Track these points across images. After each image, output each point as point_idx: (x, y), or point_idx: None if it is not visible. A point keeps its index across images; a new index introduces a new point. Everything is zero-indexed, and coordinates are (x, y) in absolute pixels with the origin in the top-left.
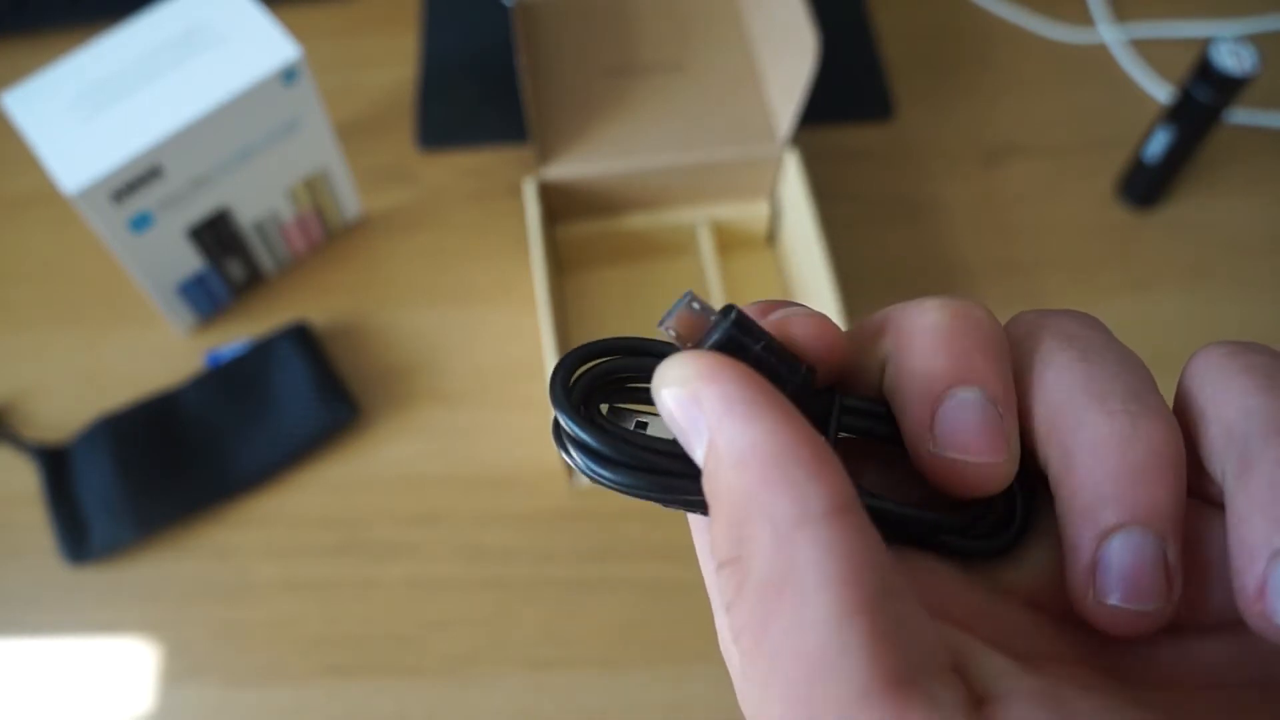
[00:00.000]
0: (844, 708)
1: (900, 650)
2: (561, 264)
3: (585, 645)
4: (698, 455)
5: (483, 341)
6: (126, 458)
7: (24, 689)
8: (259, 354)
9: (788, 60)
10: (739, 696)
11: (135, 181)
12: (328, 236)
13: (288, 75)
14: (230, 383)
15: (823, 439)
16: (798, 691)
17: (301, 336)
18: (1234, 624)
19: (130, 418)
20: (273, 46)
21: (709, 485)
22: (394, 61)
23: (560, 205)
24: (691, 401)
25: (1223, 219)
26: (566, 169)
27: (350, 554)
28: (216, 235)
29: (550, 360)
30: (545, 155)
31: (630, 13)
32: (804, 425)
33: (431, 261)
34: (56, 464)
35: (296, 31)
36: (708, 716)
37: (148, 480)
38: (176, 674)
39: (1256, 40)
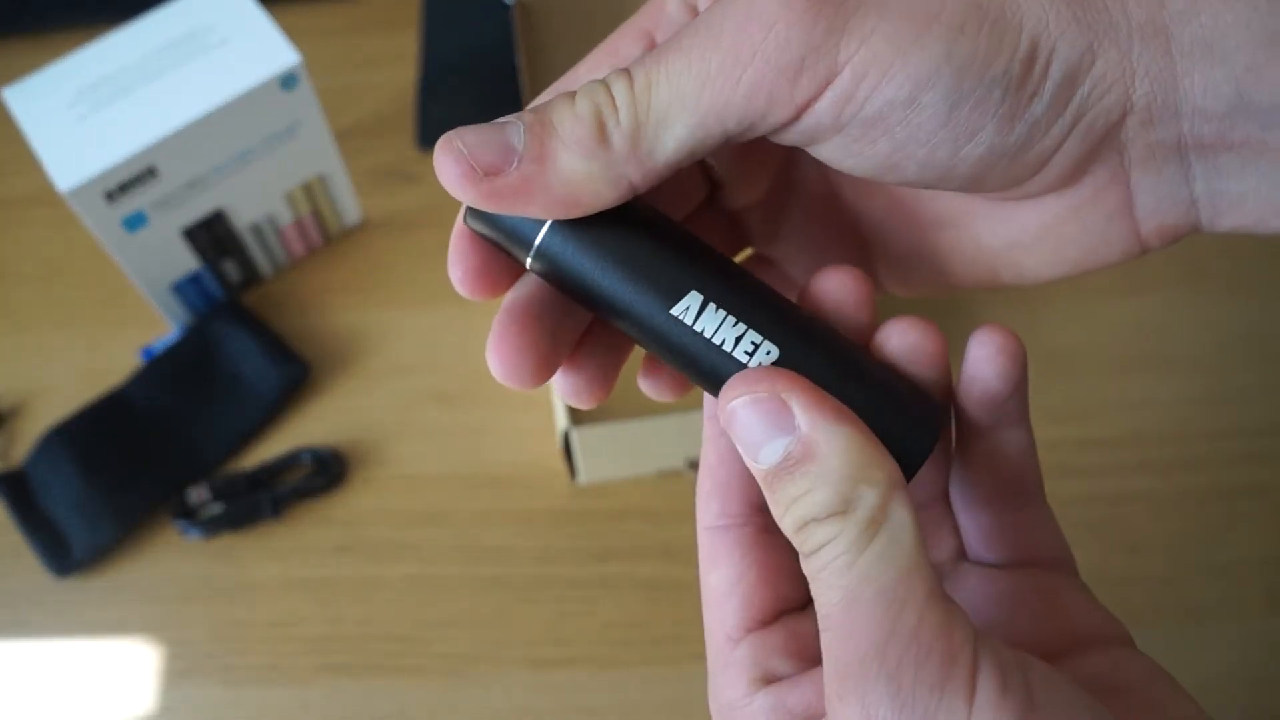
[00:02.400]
0: (920, 598)
1: (938, 582)
2: None
3: (585, 645)
4: (774, 450)
5: (483, 341)
6: (87, 460)
7: (24, 689)
8: (196, 336)
9: None
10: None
11: (129, 182)
12: (326, 240)
13: (287, 81)
14: (175, 368)
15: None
16: (884, 588)
17: (236, 310)
18: (1049, 656)
19: (80, 422)
20: (273, 51)
21: (795, 469)
22: (394, 61)
23: None
24: (779, 405)
25: None
26: None
27: (350, 554)
28: (212, 236)
29: None
30: None
31: (630, 13)
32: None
33: (431, 261)
34: (15, 486)
35: (296, 31)
36: (708, 716)
37: (114, 476)
38: (176, 674)
39: None
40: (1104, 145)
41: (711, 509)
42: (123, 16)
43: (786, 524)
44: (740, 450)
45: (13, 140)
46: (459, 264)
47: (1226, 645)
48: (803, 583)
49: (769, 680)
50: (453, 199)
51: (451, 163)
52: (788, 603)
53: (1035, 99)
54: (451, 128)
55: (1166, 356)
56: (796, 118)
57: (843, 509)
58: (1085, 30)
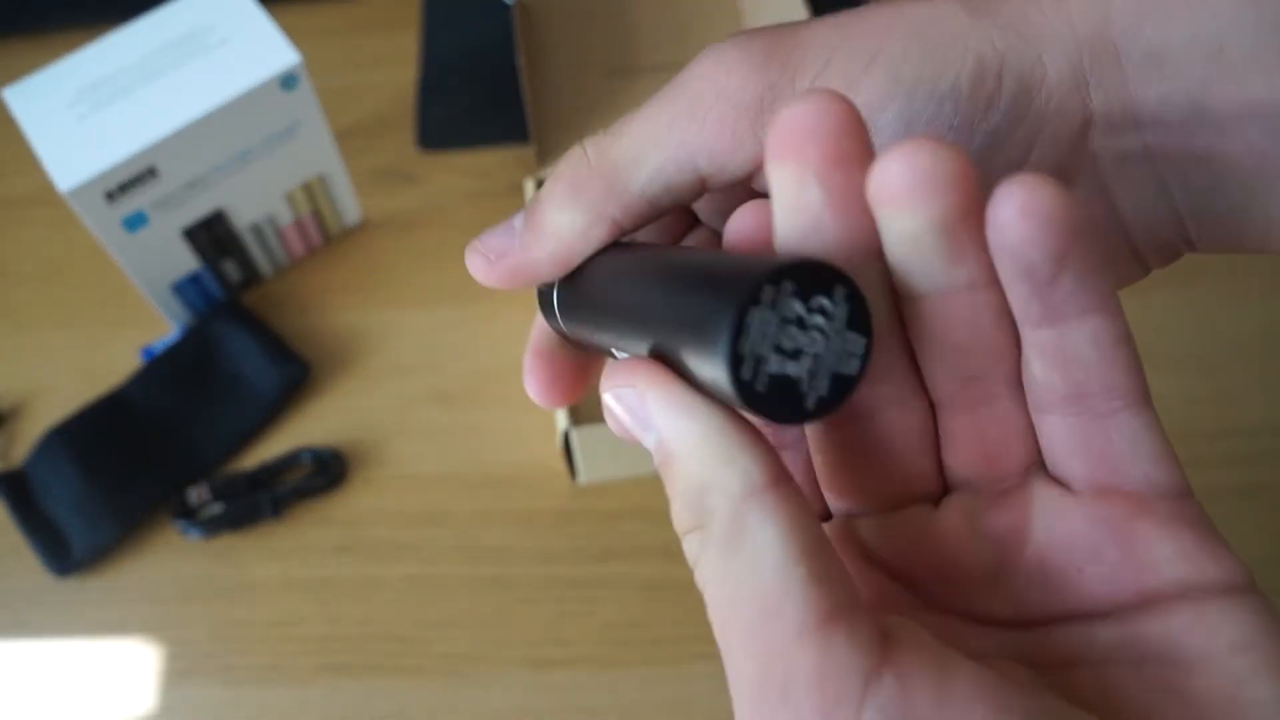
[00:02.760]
0: (787, 639)
1: (831, 592)
2: None
3: (585, 645)
4: (648, 442)
5: (483, 341)
6: (86, 460)
7: (24, 689)
8: (196, 336)
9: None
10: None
11: (129, 182)
12: (326, 240)
13: (287, 81)
14: (175, 368)
15: (751, 426)
16: (753, 628)
17: (236, 310)
18: (1116, 610)
19: (80, 422)
20: (273, 51)
21: (663, 470)
22: (394, 61)
23: None
24: (639, 400)
25: None
26: None
27: (350, 554)
28: (212, 236)
29: None
30: (545, 155)
31: (630, 13)
32: (733, 413)
33: (431, 261)
34: (15, 486)
35: (297, 31)
36: (708, 716)
37: (114, 476)
38: (176, 674)
39: None
40: (1074, 155)
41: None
42: (123, 16)
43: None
44: None
45: (13, 140)
46: (531, 380)
47: None
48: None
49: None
50: (453, 199)
51: (472, 258)
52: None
53: (991, 109)
54: (451, 128)
55: (1166, 356)
56: (763, 159)
57: (696, 523)
58: (1031, 44)
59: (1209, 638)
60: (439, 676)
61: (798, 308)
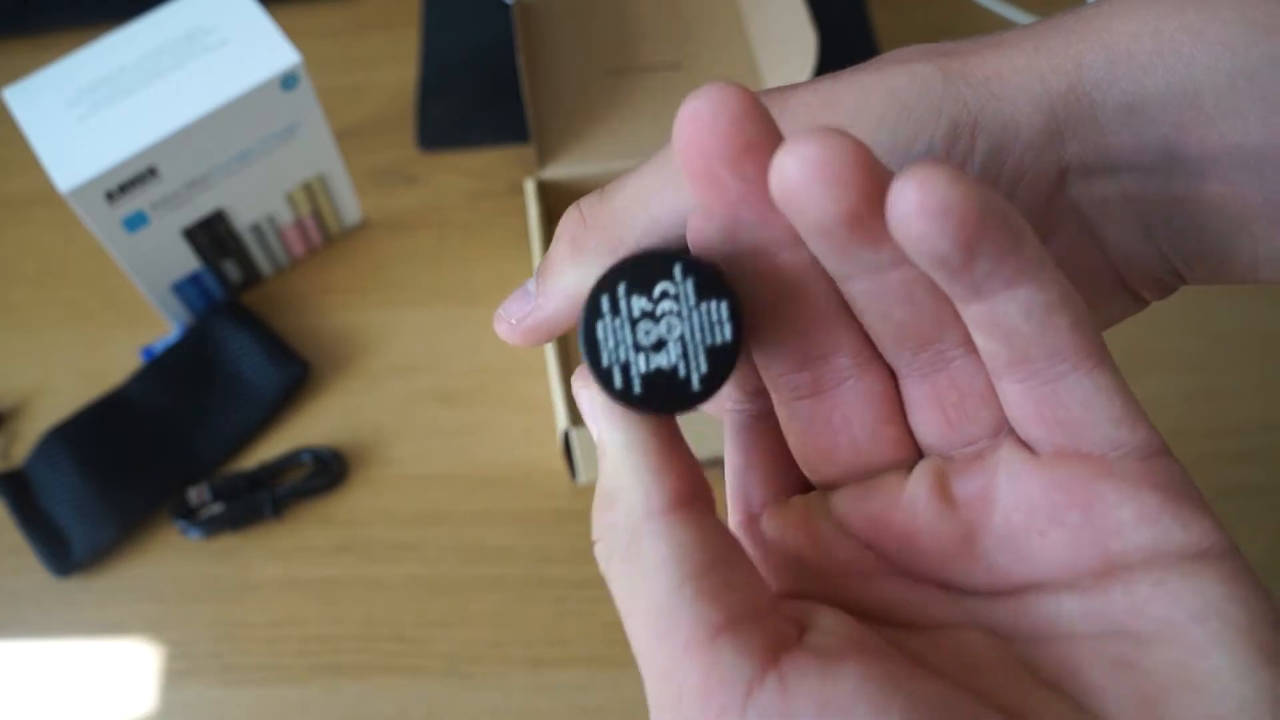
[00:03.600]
0: (676, 653)
1: (721, 606)
2: None
3: (585, 645)
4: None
5: (483, 341)
6: (87, 460)
7: (24, 689)
8: (196, 336)
9: (787, 60)
10: None
11: (129, 182)
12: (326, 240)
13: (287, 81)
14: (175, 368)
15: (677, 437)
16: (649, 644)
17: (236, 310)
18: (1081, 579)
19: (80, 422)
20: (273, 51)
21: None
22: (394, 61)
23: (560, 205)
24: (588, 403)
25: None
26: (566, 169)
27: (350, 554)
28: (212, 236)
29: (551, 360)
30: (545, 155)
31: (630, 13)
32: (656, 427)
33: (431, 261)
34: (15, 486)
35: (297, 31)
36: None
37: (114, 476)
38: (176, 674)
39: None
40: (1053, 202)
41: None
42: (123, 16)
43: None
44: None
45: (13, 140)
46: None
47: None
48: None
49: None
50: (453, 199)
51: (499, 325)
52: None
53: (967, 165)
54: (452, 128)
55: (1166, 356)
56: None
57: (598, 534)
58: (1005, 102)
59: (1170, 607)
60: (439, 676)
61: (641, 303)
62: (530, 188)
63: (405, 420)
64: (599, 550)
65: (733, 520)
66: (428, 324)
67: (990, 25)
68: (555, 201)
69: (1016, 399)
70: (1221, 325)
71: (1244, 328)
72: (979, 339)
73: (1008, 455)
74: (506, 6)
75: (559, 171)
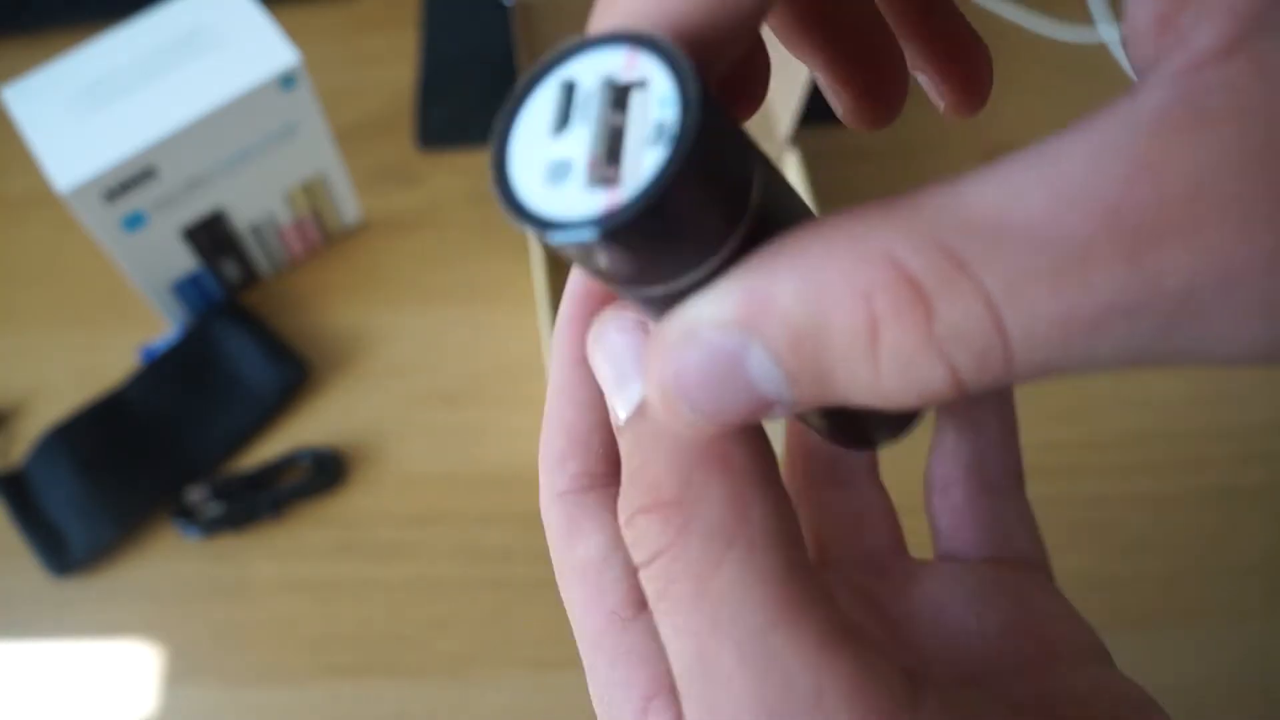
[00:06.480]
0: (804, 656)
1: (837, 612)
2: (561, 263)
3: None
4: (628, 396)
5: (483, 341)
6: (85, 460)
7: (24, 690)
8: (195, 336)
9: (787, 60)
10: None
11: (128, 182)
12: (326, 240)
13: (286, 81)
14: (174, 368)
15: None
16: (751, 638)
17: (235, 310)
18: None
19: (79, 422)
20: (272, 51)
21: (640, 427)
22: (394, 61)
23: None
24: (632, 353)
25: None
26: None
27: (350, 554)
28: (211, 236)
29: (550, 360)
30: None
31: None
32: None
33: (431, 261)
34: (15, 486)
35: (296, 31)
36: None
37: (114, 476)
38: (176, 674)
39: None
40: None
41: (568, 470)
42: (123, 16)
43: (621, 515)
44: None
45: (12, 140)
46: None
47: (1226, 646)
48: None
49: None
50: (453, 199)
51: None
52: None
53: None
54: (452, 127)
55: None
56: None
57: (656, 547)
58: None
59: (1106, 699)
60: (439, 676)
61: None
62: None
63: (405, 420)
64: (655, 523)
65: (610, 608)
66: (427, 324)
67: (990, 25)
68: None
69: (955, 511)
70: None
71: None
72: (949, 453)
73: (940, 565)
74: (506, 6)
75: None
